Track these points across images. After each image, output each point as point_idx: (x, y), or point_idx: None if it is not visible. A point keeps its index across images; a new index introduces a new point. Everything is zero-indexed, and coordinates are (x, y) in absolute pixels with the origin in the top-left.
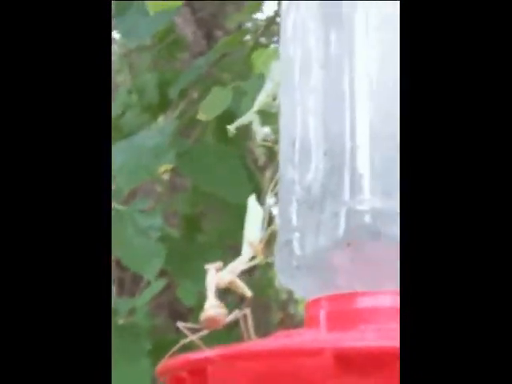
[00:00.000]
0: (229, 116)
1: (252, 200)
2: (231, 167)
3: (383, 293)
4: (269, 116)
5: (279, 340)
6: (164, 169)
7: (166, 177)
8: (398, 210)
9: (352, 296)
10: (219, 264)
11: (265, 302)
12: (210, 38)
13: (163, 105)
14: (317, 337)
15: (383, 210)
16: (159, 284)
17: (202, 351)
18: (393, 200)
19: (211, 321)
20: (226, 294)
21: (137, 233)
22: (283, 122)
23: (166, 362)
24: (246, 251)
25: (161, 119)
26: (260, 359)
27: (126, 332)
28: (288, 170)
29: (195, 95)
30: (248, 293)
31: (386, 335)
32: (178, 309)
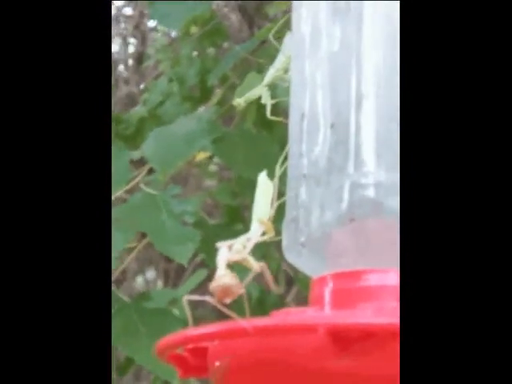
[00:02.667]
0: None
1: (262, 176)
2: (268, 153)
3: (389, 271)
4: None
5: (277, 318)
6: (200, 156)
7: (214, 168)
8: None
9: (357, 274)
10: (231, 242)
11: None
12: (253, 25)
13: (204, 94)
14: (314, 314)
15: (387, 184)
16: (201, 274)
17: (199, 328)
18: (398, 173)
19: (225, 290)
20: None
21: (170, 218)
22: (293, 95)
23: (164, 340)
24: (256, 227)
25: (201, 108)
26: (255, 336)
27: (158, 315)
28: (297, 143)
29: (236, 82)
30: (257, 268)
31: (385, 313)
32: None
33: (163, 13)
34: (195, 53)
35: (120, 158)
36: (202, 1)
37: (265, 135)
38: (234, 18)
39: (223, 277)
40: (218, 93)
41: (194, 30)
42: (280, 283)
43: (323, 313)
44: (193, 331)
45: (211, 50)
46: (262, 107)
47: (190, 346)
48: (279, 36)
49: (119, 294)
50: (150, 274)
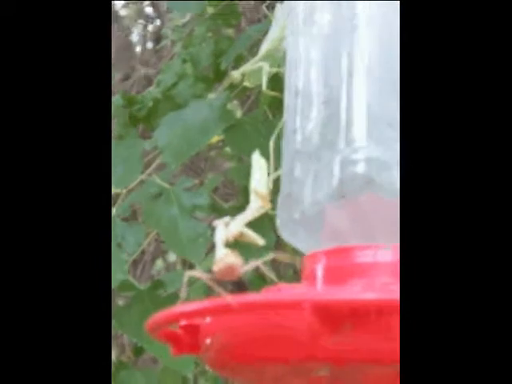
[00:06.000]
0: (281, 82)
1: (256, 155)
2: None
3: (381, 247)
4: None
5: (263, 294)
6: (214, 139)
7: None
8: (393, 159)
9: (349, 250)
10: (227, 219)
11: None
12: (268, 5)
13: (218, 75)
14: (300, 290)
15: (378, 159)
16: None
17: (186, 304)
18: (388, 149)
19: (227, 270)
20: None
21: (182, 213)
22: (288, 71)
23: (152, 317)
24: (254, 202)
25: (213, 94)
26: (242, 312)
27: (171, 301)
28: (291, 119)
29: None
30: (260, 241)
31: (373, 289)
32: (240, 281)
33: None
34: (209, 33)
35: (133, 147)
36: None
37: (278, 118)
38: None
39: (226, 256)
40: (231, 75)
41: (210, 10)
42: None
43: (309, 289)
44: (180, 308)
45: (227, 31)
46: (274, 88)
47: (183, 323)
48: None
49: (134, 282)
50: (171, 256)
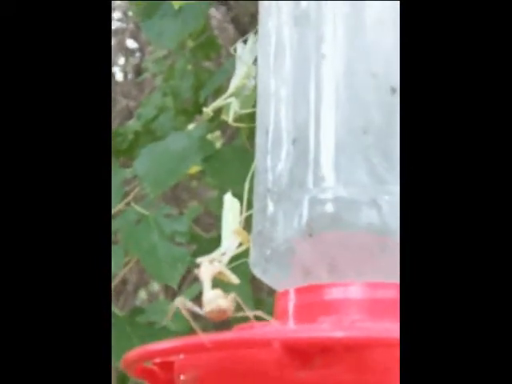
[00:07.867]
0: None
1: (228, 196)
2: None
3: (351, 284)
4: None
5: (236, 332)
6: (193, 170)
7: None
8: (362, 196)
9: (319, 288)
10: (211, 257)
11: None
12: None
13: (198, 107)
14: (270, 329)
15: (346, 198)
16: (196, 288)
17: (160, 343)
18: (356, 188)
19: (219, 312)
20: None
21: (161, 239)
22: (259, 110)
23: (128, 354)
24: (230, 240)
25: (193, 124)
26: (215, 350)
27: (151, 328)
28: (262, 158)
29: None
30: (236, 280)
31: (341, 327)
32: None
33: (156, 31)
34: (189, 66)
35: (114, 176)
36: (194, 17)
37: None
38: (230, 29)
39: (218, 298)
40: (204, 112)
41: (190, 43)
42: None
43: (279, 327)
44: (154, 346)
45: (207, 64)
46: (252, 121)
47: (158, 360)
48: None
49: (113, 309)
50: (153, 286)
